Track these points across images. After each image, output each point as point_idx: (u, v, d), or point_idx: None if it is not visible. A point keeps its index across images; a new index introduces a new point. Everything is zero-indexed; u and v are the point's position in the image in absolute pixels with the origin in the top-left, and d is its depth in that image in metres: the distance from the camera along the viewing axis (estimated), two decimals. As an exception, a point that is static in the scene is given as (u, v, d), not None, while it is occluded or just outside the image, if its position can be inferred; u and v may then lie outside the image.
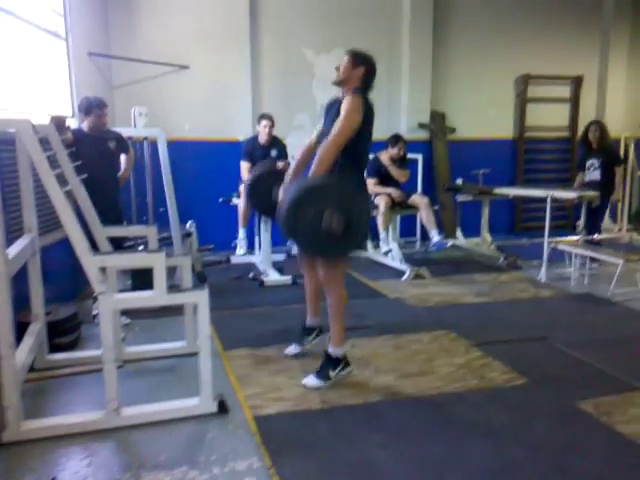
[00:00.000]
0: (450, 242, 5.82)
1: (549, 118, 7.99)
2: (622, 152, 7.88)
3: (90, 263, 2.54)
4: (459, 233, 6.98)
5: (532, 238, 6.99)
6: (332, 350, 3.12)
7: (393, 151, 5.90)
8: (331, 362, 3.10)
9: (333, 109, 3.11)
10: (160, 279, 2.60)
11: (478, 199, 6.61)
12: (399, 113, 7.32)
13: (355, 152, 3.00)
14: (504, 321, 4.24)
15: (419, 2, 7.05)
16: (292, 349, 3.55)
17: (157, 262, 2.61)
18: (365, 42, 7.00)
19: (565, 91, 8.02)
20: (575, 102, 8.00)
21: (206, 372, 2.68)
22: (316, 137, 3.26)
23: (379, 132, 7.16)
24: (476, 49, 7.51)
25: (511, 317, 4.33)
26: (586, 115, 8.06)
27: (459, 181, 6.85)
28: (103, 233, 3.42)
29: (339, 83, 3.10)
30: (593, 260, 5.45)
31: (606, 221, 7.95)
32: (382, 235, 5.96)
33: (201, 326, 2.66)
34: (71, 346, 3.56)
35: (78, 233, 2.56)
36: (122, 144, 4.40)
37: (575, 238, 5.57)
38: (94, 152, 4.03)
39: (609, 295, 4.83)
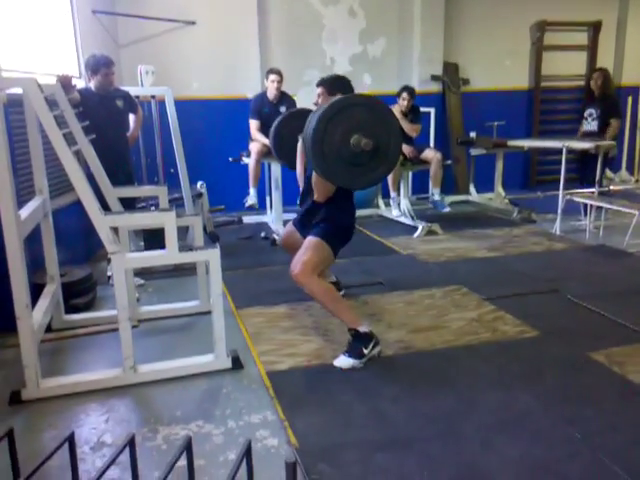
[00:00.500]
0: (448, 209, 5.80)
1: (566, 67, 7.75)
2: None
3: (102, 223, 2.55)
4: (472, 188, 6.90)
5: (546, 191, 6.88)
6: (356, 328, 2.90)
7: (401, 102, 5.78)
8: (361, 339, 2.85)
9: None
10: (171, 238, 2.61)
11: (492, 152, 6.49)
12: (410, 65, 7.14)
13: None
14: (516, 275, 4.22)
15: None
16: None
17: (168, 221, 2.61)
18: (375, -8, 6.89)
19: (583, 38, 7.75)
20: (593, 49, 7.74)
21: (219, 329, 2.71)
22: None
23: (390, 86, 7.12)
24: (490, -4, 7.25)
25: (524, 270, 4.31)
26: (604, 63, 7.79)
27: (473, 134, 6.71)
28: (114, 193, 3.43)
29: None
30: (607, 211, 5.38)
31: (623, 172, 7.82)
32: (392, 195, 5.92)
33: (213, 284, 2.68)
34: (87, 307, 3.62)
35: (89, 193, 2.57)
36: (130, 103, 4.35)
37: (590, 190, 5.48)
38: (102, 111, 3.98)
39: (624, 246, 4.77)
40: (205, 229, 4.98)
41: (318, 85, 3.18)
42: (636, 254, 4.62)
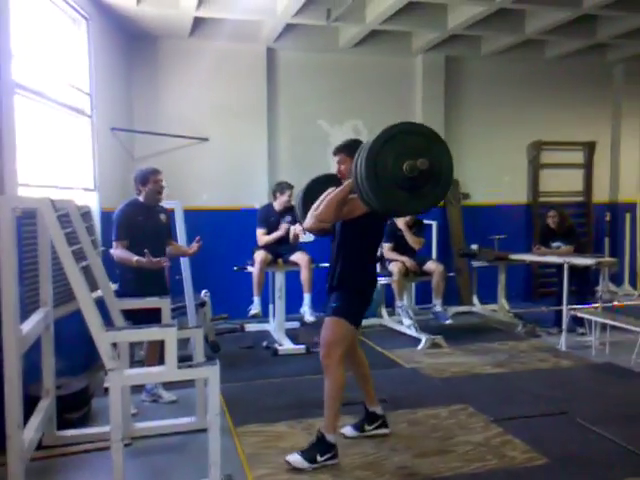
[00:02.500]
0: (449, 320, 5.82)
1: (563, 183, 8.02)
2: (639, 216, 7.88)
3: (102, 339, 2.54)
4: (476, 299, 6.91)
5: (549, 305, 6.86)
6: (325, 433, 3.01)
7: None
8: (322, 446, 2.98)
9: None
10: (171, 354, 2.59)
11: (494, 264, 6.57)
12: (413, 180, 7.40)
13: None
14: (524, 394, 4.11)
15: (431, 73, 7.28)
16: (349, 430, 3.39)
17: (168, 337, 2.61)
18: (379, 112, 7.32)
19: (578, 157, 8.09)
20: (589, 167, 8.05)
21: (215, 453, 2.61)
22: None
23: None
24: (488, 117, 7.65)
25: (531, 389, 4.20)
26: (600, 180, 8.11)
27: (474, 246, 6.83)
28: (117, 306, 3.45)
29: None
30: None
31: (626, 286, 7.84)
32: (398, 303, 5.92)
33: (211, 404, 2.62)
34: (81, 421, 3.52)
35: (92, 309, 2.59)
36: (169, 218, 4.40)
37: (595, 305, 5.48)
38: (150, 223, 4.01)
39: (631, 365, 4.68)
40: (207, 338, 4.94)
41: (335, 154, 3.22)
42: (644, 374, 4.53)
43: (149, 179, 4.01)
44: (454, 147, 7.49)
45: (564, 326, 5.36)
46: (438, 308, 5.80)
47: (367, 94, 7.25)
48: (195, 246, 4.25)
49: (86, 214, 4.56)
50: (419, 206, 2.75)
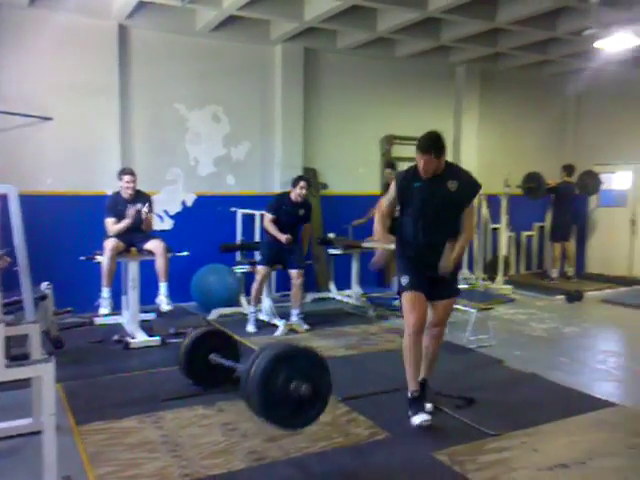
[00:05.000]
0: (306, 326, 5.69)
1: (412, 175, 8.56)
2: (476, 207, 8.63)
3: None
4: (332, 286, 7.18)
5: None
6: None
7: (299, 191, 5.79)
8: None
9: (437, 189, 3.37)
10: (-2, 353, 2.38)
11: (348, 252, 6.85)
12: (272, 168, 7.47)
13: None
14: (371, 373, 4.36)
15: (290, 63, 7.34)
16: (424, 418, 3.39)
17: (-5, 335, 2.39)
18: (239, 99, 7.26)
19: (426, 151, 8.66)
20: (435, 161, 8.65)
21: (50, 455, 2.45)
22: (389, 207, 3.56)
23: (253, 187, 7.37)
24: (346, 110, 7.92)
25: (378, 369, 4.46)
26: (444, 173, 8.75)
27: (331, 235, 7.09)
28: None
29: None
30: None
31: (465, 270, 8.58)
32: (251, 309, 5.82)
33: (45, 403, 2.45)
34: None
35: None
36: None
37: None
38: None
39: (465, 342, 5.16)
40: (49, 334, 4.60)
41: (424, 152, 3.26)
42: (475, 350, 5.01)
43: None
44: (313, 137, 7.75)
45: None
46: (295, 318, 5.74)
47: (227, 80, 7.16)
48: None
49: None
50: (299, 424, 2.93)
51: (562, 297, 7.36)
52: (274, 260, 5.79)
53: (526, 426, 3.35)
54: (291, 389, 2.74)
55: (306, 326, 5.67)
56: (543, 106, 9.40)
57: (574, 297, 7.31)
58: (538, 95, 9.35)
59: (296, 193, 5.76)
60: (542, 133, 9.45)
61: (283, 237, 5.63)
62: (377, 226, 3.56)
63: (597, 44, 6.10)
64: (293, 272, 5.72)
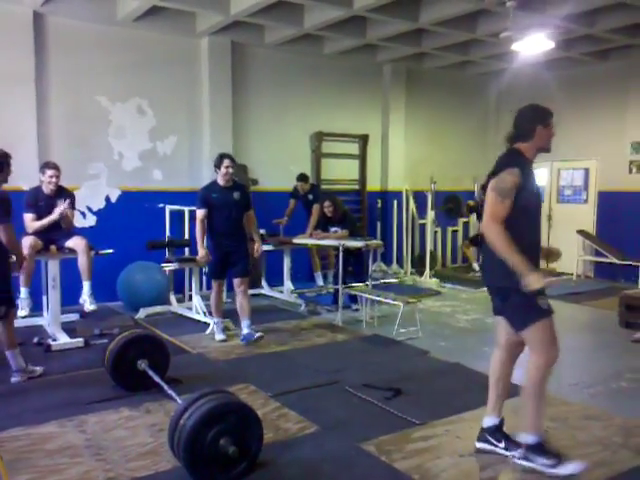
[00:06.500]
0: (260, 333, 5.11)
1: (342, 172, 8.68)
2: (405, 203, 8.89)
3: None
4: (264, 282, 7.16)
5: (329, 285, 7.39)
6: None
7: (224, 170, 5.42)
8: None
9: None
10: None
11: (280, 249, 6.86)
12: (201, 163, 7.34)
13: None
14: (302, 368, 4.39)
15: (217, 57, 7.25)
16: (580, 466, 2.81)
17: None
18: (164, 93, 7.08)
19: (354, 148, 8.80)
20: (363, 158, 8.81)
21: (-40, 466, 2.32)
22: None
23: (181, 182, 7.21)
24: (276, 106, 7.92)
25: (309, 363, 4.50)
26: (373, 170, 8.94)
27: (262, 231, 7.05)
28: None
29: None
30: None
31: (394, 265, 8.81)
32: (216, 320, 5.53)
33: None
34: None
35: None
36: None
37: (366, 283, 6.09)
38: None
39: (394, 335, 5.29)
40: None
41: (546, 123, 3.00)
42: (403, 342, 5.15)
43: None
44: (242, 132, 7.68)
45: (340, 303, 5.85)
46: (247, 330, 5.16)
47: (152, 73, 6.97)
48: None
49: None
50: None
51: (485, 289, 7.66)
52: (223, 268, 5.21)
53: (450, 414, 3.48)
54: (220, 446, 2.65)
55: (259, 334, 5.07)
56: (467, 105, 9.76)
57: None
58: (462, 94, 9.70)
59: (222, 174, 5.08)
60: (466, 131, 9.82)
61: (199, 253, 5.18)
62: (516, 259, 2.76)
63: (514, 46, 6.38)
64: (236, 280, 5.16)
